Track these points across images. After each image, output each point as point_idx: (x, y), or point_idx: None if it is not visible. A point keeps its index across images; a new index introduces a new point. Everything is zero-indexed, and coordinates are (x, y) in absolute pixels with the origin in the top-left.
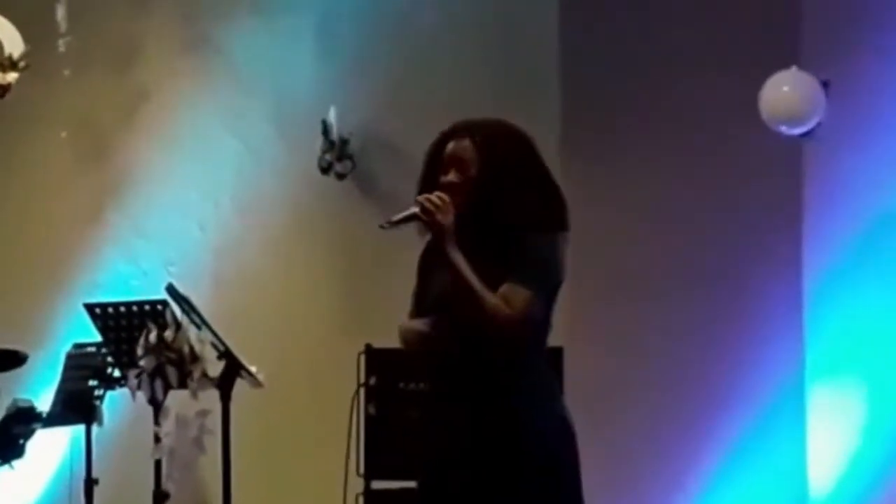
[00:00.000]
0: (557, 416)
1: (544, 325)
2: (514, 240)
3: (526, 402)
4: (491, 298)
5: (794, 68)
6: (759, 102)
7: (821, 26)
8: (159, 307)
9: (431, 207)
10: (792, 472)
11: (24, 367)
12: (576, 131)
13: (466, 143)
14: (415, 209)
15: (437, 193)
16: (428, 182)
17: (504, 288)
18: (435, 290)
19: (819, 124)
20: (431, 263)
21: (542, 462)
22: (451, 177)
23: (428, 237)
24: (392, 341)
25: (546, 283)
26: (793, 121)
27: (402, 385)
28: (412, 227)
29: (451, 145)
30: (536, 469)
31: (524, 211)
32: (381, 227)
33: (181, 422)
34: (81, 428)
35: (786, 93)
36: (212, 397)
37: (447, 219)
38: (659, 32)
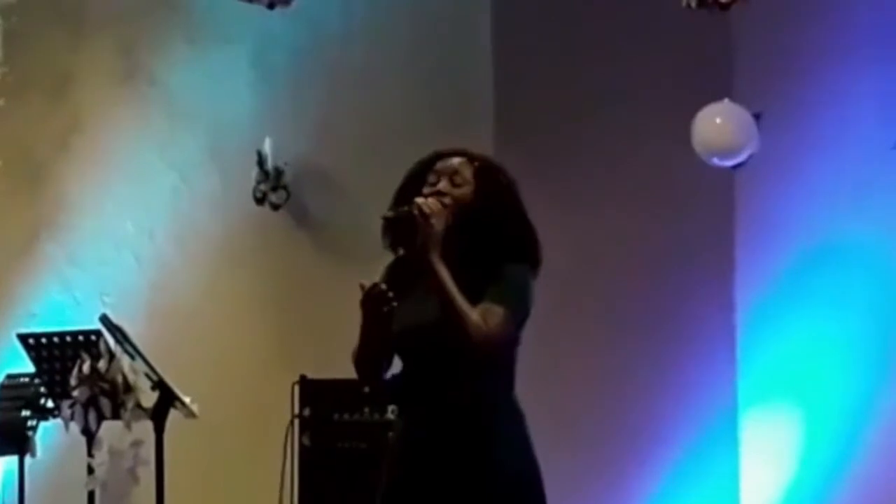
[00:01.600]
0: (527, 457)
1: (512, 359)
2: (491, 265)
3: (496, 440)
4: (472, 313)
5: (726, 100)
6: (692, 134)
7: (753, 58)
8: (93, 337)
9: (427, 210)
10: (725, 499)
11: None
12: (508, 161)
13: (463, 160)
14: (411, 209)
15: (432, 199)
16: (408, 193)
17: (481, 306)
18: (404, 321)
19: (751, 156)
20: (400, 287)
21: (508, 501)
22: (442, 186)
23: (391, 255)
24: (326, 372)
25: (519, 307)
26: (725, 153)
27: (336, 416)
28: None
29: (443, 162)
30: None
31: (508, 242)
32: (383, 217)
33: (115, 453)
34: (14, 459)
35: (718, 125)
36: (145, 428)
37: (439, 225)
38: (593, 63)
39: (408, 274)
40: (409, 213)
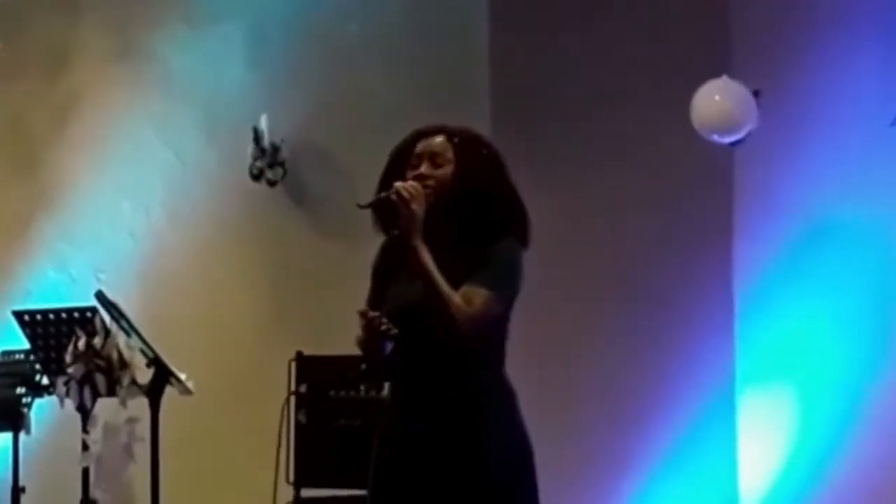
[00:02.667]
0: (517, 435)
1: (502, 337)
2: (478, 244)
3: (487, 420)
4: (454, 296)
5: (724, 77)
6: (691, 111)
7: (751, 35)
8: (88, 314)
9: (407, 195)
10: (723, 479)
11: None
12: (505, 140)
13: (442, 139)
14: (390, 194)
15: (412, 183)
16: (392, 176)
17: (464, 288)
18: (394, 301)
19: (750, 133)
20: (387, 271)
21: (501, 481)
22: (423, 169)
23: (383, 236)
24: (323, 348)
25: (505, 287)
26: (724, 130)
27: (332, 393)
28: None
29: (424, 142)
30: (495, 488)
31: (494, 218)
32: (359, 206)
33: (110, 429)
34: (9, 436)
35: (717, 102)
36: (141, 405)
37: (420, 209)
38: (589, 42)
39: (401, 253)
40: (388, 198)
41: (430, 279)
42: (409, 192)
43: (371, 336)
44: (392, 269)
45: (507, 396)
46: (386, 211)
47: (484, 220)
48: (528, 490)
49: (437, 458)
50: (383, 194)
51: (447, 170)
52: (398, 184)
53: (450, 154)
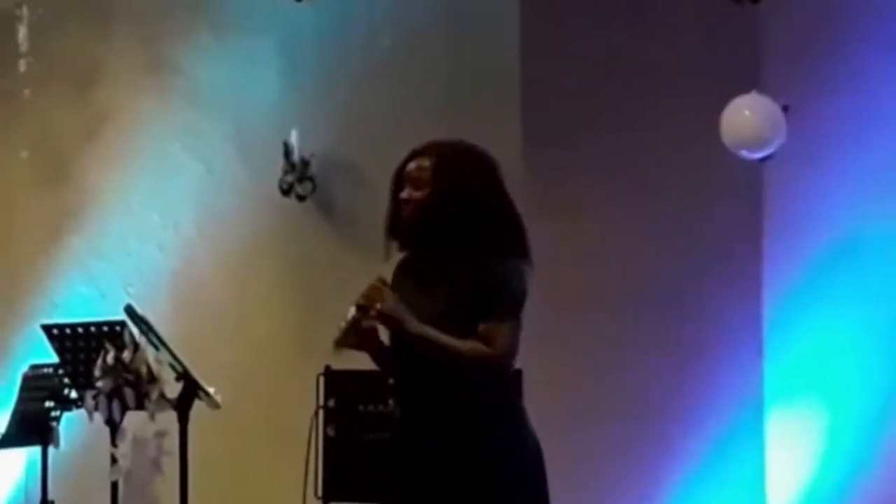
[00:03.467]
0: (527, 440)
1: None
2: (473, 265)
3: (495, 428)
4: (465, 347)
5: (753, 93)
6: (720, 127)
7: (781, 51)
8: (117, 328)
9: (368, 303)
10: (751, 493)
11: None
12: (537, 153)
13: (425, 162)
14: (353, 313)
15: (370, 284)
16: (393, 196)
17: (483, 328)
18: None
19: (779, 149)
20: (403, 282)
21: (511, 486)
22: (405, 194)
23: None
24: (352, 363)
25: (515, 312)
26: (753, 145)
27: (361, 407)
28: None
29: (412, 163)
30: (506, 493)
31: (477, 234)
32: (336, 346)
33: (138, 443)
34: (38, 449)
35: (746, 117)
36: (169, 419)
37: (389, 303)
38: (620, 55)
39: (415, 270)
40: (355, 320)
41: (445, 351)
42: (369, 298)
43: (373, 306)
44: (406, 285)
45: (512, 408)
46: (361, 331)
47: (473, 236)
48: (539, 495)
49: (444, 469)
50: (347, 320)
51: (425, 191)
52: (356, 302)
53: (427, 175)
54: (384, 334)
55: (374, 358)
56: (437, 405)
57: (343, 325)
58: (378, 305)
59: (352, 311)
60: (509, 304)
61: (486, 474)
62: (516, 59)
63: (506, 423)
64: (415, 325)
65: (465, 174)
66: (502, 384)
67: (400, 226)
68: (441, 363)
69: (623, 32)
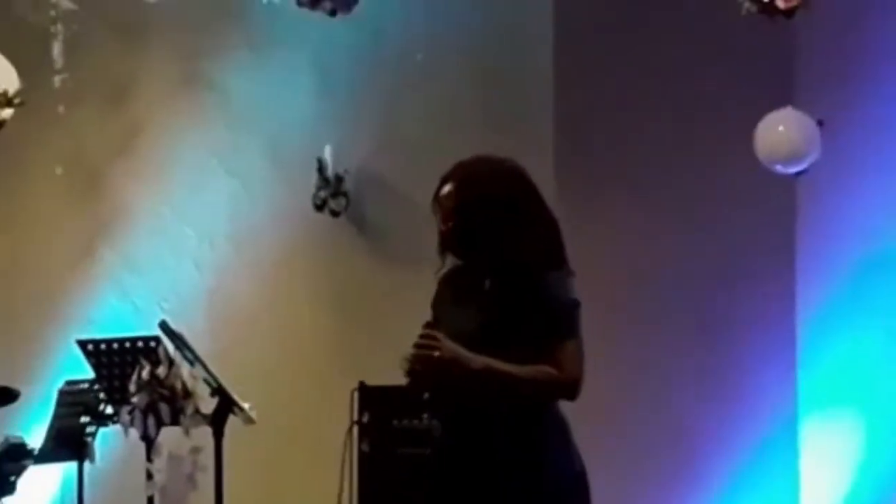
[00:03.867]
0: (575, 462)
1: None
2: (529, 279)
3: (545, 448)
4: (534, 373)
5: (788, 108)
6: (755, 142)
7: (816, 65)
8: (152, 343)
9: (418, 364)
10: None
11: (16, 404)
12: (569, 167)
13: (449, 190)
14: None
15: (417, 341)
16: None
17: (551, 349)
18: (451, 327)
19: (813, 163)
20: (447, 297)
21: None
22: (441, 227)
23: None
24: (386, 379)
25: (577, 326)
26: (788, 160)
27: (395, 422)
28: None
29: (441, 190)
30: None
31: (513, 247)
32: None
33: (173, 459)
34: (73, 465)
35: (781, 132)
36: (204, 434)
37: (445, 350)
38: (654, 70)
39: (459, 283)
40: (411, 381)
41: (512, 382)
42: (418, 357)
43: (426, 362)
44: (451, 296)
45: (560, 426)
46: (422, 381)
47: (508, 253)
48: None
49: (493, 488)
50: (425, 395)
51: (452, 221)
52: (404, 359)
53: (451, 202)
54: None
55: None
56: (485, 424)
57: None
58: (436, 354)
59: (404, 367)
60: (569, 321)
61: (535, 496)
62: (549, 74)
63: (555, 443)
64: (477, 361)
65: (485, 190)
66: (554, 403)
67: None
68: (510, 393)
69: (657, 47)
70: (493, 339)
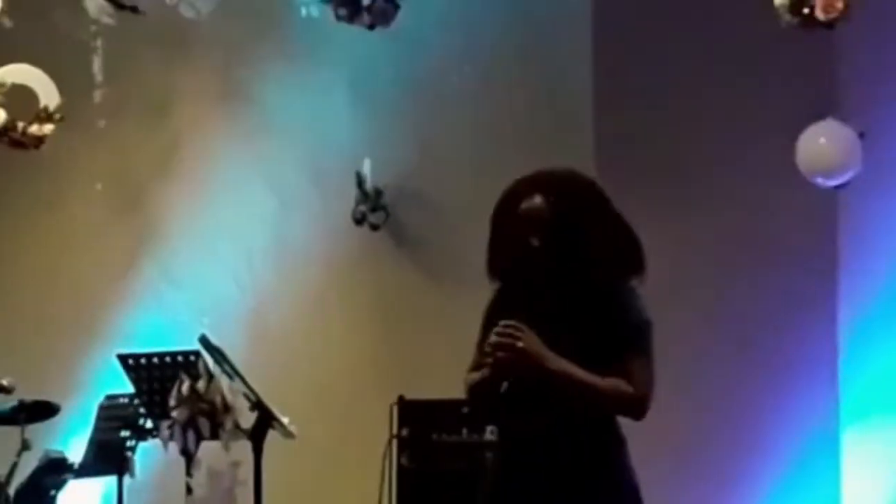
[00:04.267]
0: (633, 477)
1: None
2: (605, 292)
3: (606, 462)
4: (608, 385)
5: (829, 120)
6: (796, 154)
7: (856, 78)
8: (192, 358)
9: (499, 352)
10: None
11: (57, 418)
12: (609, 182)
13: (540, 202)
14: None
15: (499, 330)
16: (499, 241)
17: (623, 365)
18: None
19: (854, 176)
20: (498, 316)
21: None
22: (535, 242)
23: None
24: (425, 392)
25: (650, 344)
26: (829, 172)
27: (435, 437)
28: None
29: (526, 203)
30: None
31: (609, 262)
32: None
33: (213, 473)
34: (113, 479)
35: (822, 145)
36: (244, 448)
37: (528, 342)
38: (695, 81)
39: (511, 300)
40: (496, 371)
41: (586, 390)
42: (504, 345)
43: (511, 351)
44: (503, 315)
45: (619, 444)
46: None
47: (592, 259)
48: None
49: (556, 495)
50: (503, 386)
51: (546, 235)
52: (488, 347)
53: (547, 215)
54: None
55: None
56: (549, 437)
57: (503, 389)
58: (519, 344)
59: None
60: (643, 339)
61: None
62: (589, 90)
63: (618, 456)
64: (556, 362)
65: (582, 204)
66: (611, 418)
67: (534, 269)
68: (582, 399)
69: (698, 60)
70: (566, 353)
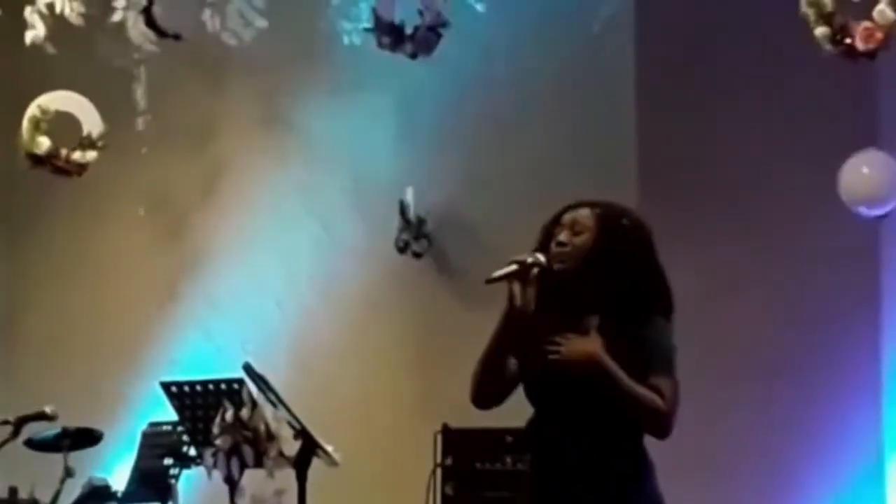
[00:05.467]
0: (661, 499)
1: None
2: (620, 317)
3: (630, 491)
4: (646, 394)
5: (872, 149)
6: (839, 184)
7: None
8: (235, 386)
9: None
10: None
11: (100, 445)
12: (652, 215)
13: (586, 211)
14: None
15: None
16: (541, 247)
17: (652, 380)
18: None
19: None
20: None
21: None
22: (563, 236)
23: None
24: (469, 421)
25: (675, 370)
26: (872, 202)
27: (478, 465)
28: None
29: (569, 214)
30: None
31: (635, 291)
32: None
33: (257, 501)
34: None
35: (865, 174)
36: (288, 476)
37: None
38: (736, 115)
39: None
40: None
41: (626, 389)
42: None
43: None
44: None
45: (648, 468)
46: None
47: (624, 291)
48: None
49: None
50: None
51: (586, 237)
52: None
53: (590, 223)
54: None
55: (506, 325)
56: (576, 462)
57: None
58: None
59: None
60: (670, 361)
61: None
62: (632, 120)
63: (644, 479)
64: (606, 356)
65: (627, 228)
66: (640, 442)
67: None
68: (617, 396)
69: (741, 86)
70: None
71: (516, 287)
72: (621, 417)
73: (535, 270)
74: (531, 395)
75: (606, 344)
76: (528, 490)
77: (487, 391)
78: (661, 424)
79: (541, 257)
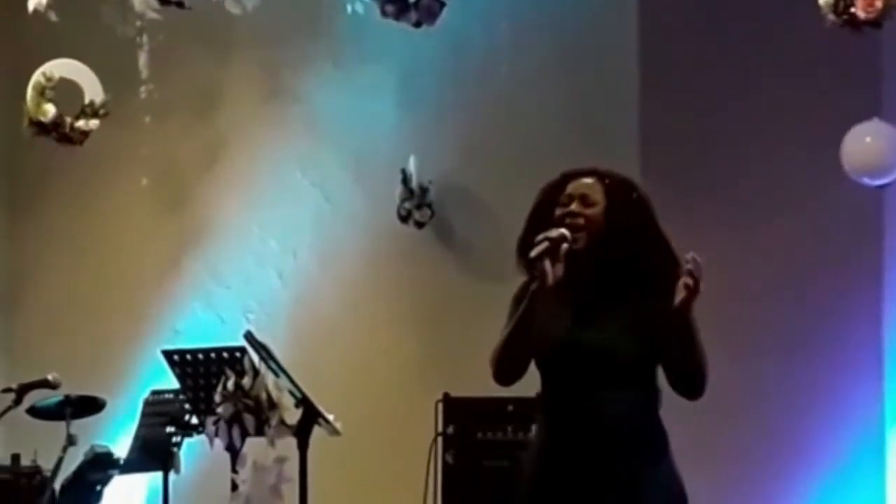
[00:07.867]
0: (681, 482)
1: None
2: (636, 290)
3: (646, 461)
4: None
5: (875, 119)
6: (841, 154)
7: None
8: (237, 354)
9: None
10: None
11: (103, 414)
12: (653, 184)
13: (593, 180)
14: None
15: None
16: (539, 216)
17: None
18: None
19: None
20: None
21: None
22: (574, 207)
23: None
24: (470, 390)
25: None
26: (875, 172)
27: (479, 434)
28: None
29: (575, 183)
30: None
31: (648, 263)
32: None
33: (259, 469)
34: (159, 475)
35: (868, 144)
36: (289, 445)
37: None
38: (738, 86)
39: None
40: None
41: (698, 338)
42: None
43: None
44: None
45: (663, 437)
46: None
47: (637, 264)
48: None
49: (595, 497)
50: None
51: (598, 209)
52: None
53: (600, 195)
54: None
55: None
56: (591, 430)
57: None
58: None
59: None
60: (693, 322)
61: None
62: (634, 87)
63: (665, 451)
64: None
65: (636, 199)
66: (656, 405)
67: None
68: (689, 353)
69: (742, 60)
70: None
71: (547, 265)
72: (642, 390)
73: (565, 246)
74: (549, 368)
75: (624, 310)
76: (537, 461)
77: (513, 369)
78: (704, 384)
79: (566, 232)
